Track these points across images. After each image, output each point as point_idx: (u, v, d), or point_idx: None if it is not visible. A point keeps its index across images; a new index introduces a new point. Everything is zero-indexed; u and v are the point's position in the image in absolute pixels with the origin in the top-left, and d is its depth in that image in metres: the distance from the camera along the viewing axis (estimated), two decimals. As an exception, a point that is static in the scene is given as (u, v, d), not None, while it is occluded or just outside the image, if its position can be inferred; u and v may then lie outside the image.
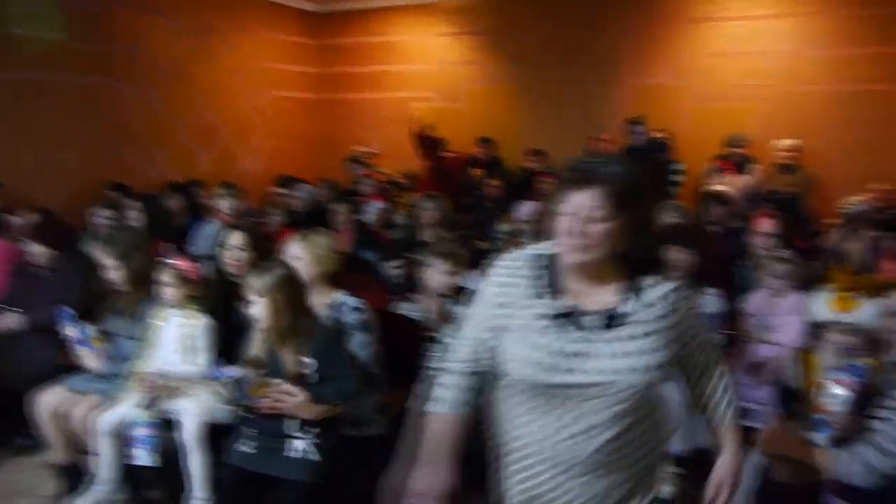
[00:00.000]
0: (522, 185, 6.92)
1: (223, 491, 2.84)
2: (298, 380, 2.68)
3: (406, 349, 3.35)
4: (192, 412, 3.09)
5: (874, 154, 6.85)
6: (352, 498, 3.11)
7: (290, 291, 2.72)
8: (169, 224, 5.10)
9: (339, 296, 3.04)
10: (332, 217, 5.61)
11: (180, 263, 3.22)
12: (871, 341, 2.66)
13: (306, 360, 2.69)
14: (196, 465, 3.05)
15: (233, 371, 2.67)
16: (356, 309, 2.99)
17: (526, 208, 5.36)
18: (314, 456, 2.70)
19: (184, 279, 3.21)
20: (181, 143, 7.75)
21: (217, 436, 3.01)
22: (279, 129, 8.98)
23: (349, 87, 9.47)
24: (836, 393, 2.58)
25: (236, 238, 3.53)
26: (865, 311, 2.61)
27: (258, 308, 2.69)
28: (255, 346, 2.76)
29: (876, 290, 2.62)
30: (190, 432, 3.05)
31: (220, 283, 3.52)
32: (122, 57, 6.99)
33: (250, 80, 8.58)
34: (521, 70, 8.44)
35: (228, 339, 3.16)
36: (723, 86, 7.60)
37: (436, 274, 3.48)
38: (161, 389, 3.10)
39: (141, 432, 3.06)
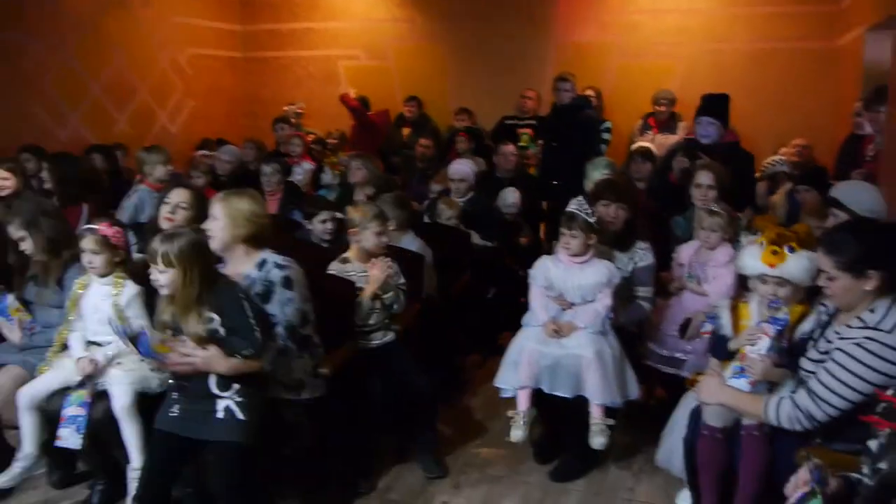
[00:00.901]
0: (452, 145, 6.91)
1: (152, 457, 2.77)
2: (204, 340, 2.62)
3: (340, 310, 3.32)
4: (123, 382, 2.99)
5: (791, 110, 7.09)
6: (289, 462, 3.09)
7: (199, 259, 2.65)
8: (91, 188, 4.86)
9: (264, 255, 2.96)
10: (260, 178, 5.49)
11: (104, 228, 3.08)
12: (797, 291, 2.76)
13: (211, 315, 2.64)
14: (130, 436, 2.97)
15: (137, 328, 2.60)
16: (279, 266, 2.92)
17: (456, 167, 5.34)
18: (240, 415, 2.65)
19: (108, 245, 3.07)
20: (95, 102, 7.40)
21: (151, 405, 2.94)
22: (201, 88, 8.67)
23: (274, 44, 9.19)
24: (758, 341, 2.67)
25: (180, 195, 3.41)
26: (793, 264, 2.70)
27: (164, 276, 2.61)
28: (162, 310, 2.69)
29: (801, 243, 2.71)
30: (121, 403, 2.95)
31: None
32: (29, 9, 6.59)
33: (169, 37, 8.23)
34: (449, 28, 8.35)
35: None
36: (646, 43, 7.73)
37: (369, 235, 3.48)
38: (95, 369, 2.98)
39: (70, 412, 2.94)
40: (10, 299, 3.37)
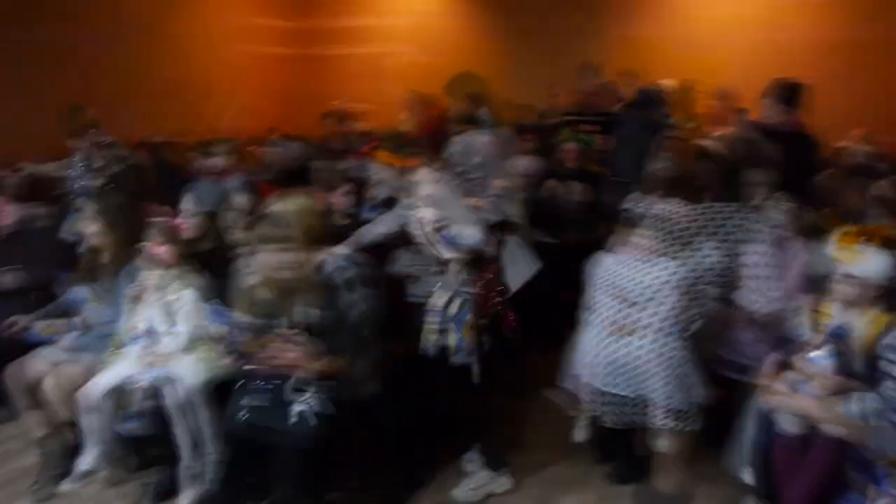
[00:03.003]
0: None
1: (230, 448, 2.78)
2: (304, 331, 2.60)
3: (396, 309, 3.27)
4: (188, 374, 3.01)
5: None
6: (345, 462, 3.05)
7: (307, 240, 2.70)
8: (158, 184, 4.90)
9: (333, 252, 2.94)
10: (317, 175, 5.48)
11: (171, 222, 3.12)
12: (873, 290, 2.61)
13: (313, 311, 2.62)
14: (202, 423, 2.98)
15: (235, 317, 2.59)
16: (351, 265, 2.90)
17: (522, 163, 5.35)
18: (312, 420, 2.64)
19: (175, 239, 3.10)
20: (147, 102, 7.48)
21: (220, 393, 2.95)
22: (252, 85, 8.73)
23: (325, 41, 9.22)
24: (817, 356, 2.58)
25: (244, 199, 3.47)
26: (873, 263, 2.56)
27: (271, 258, 2.60)
28: (256, 296, 2.67)
29: (884, 243, 2.56)
30: (185, 394, 2.97)
31: (217, 242, 3.43)
32: (85, 10, 6.72)
33: (222, 35, 8.31)
34: (503, 21, 8.28)
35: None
36: (702, 35, 7.58)
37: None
38: (155, 360, 3.02)
39: (134, 403, 2.98)
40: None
